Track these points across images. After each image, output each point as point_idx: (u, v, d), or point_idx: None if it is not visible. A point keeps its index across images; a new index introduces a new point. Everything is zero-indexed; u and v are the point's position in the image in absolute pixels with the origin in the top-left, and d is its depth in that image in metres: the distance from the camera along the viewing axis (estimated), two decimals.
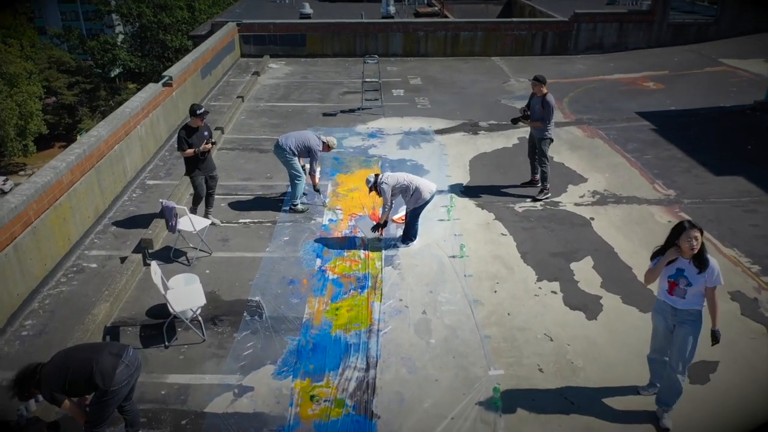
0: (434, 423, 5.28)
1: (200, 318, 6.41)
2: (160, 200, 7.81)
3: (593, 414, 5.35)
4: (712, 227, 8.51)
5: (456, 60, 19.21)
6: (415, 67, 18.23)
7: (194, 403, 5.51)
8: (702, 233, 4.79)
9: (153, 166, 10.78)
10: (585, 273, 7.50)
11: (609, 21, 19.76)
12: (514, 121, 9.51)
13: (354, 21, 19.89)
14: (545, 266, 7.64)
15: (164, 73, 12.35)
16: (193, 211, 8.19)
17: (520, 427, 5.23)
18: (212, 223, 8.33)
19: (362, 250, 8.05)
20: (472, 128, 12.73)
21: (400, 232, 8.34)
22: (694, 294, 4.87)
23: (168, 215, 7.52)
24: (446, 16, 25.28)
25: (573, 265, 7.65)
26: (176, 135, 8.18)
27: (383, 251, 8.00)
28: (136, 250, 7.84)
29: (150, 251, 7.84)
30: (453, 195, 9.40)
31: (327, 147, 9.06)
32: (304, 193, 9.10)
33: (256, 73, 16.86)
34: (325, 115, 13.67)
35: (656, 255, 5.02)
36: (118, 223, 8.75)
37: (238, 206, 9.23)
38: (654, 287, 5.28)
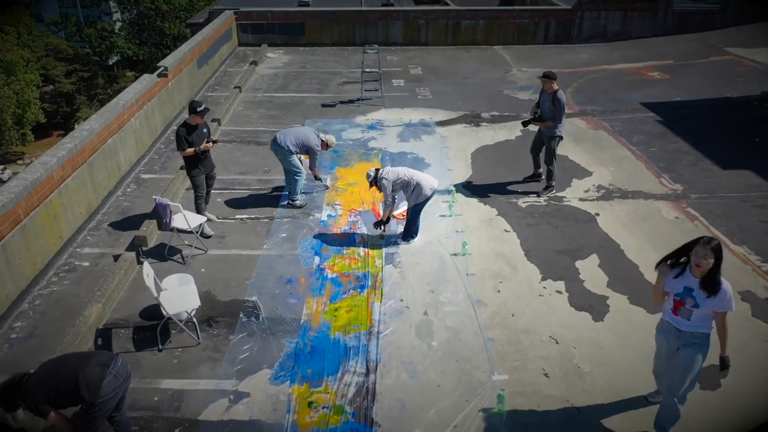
0: None
1: (195, 320, 6.22)
2: (154, 197, 7.60)
3: (600, 422, 5.17)
4: (721, 223, 8.30)
5: (457, 49, 18.90)
6: (415, 57, 17.93)
7: (188, 410, 5.34)
8: (717, 255, 4.34)
9: (148, 159, 10.55)
10: (591, 271, 7.30)
11: (613, 9, 19.40)
12: (525, 124, 9.16)
13: (353, 9, 19.55)
14: (550, 264, 7.44)
15: (159, 64, 12.09)
16: (200, 212, 8.01)
17: None
18: (208, 219, 8.12)
19: (362, 248, 7.85)
20: (474, 120, 12.48)
21: (401, 229, 8.14)
22: (701, 316, 4.51)
23: (162, 212, 7.31)
24: (447, 4, 24.90)
25: (578, 264, 7.45)
26: (175, 133, 7.83)
27: (383, 249, 7.80)
28: (129, 248, 7.64)
29: (144, 249, 7.65)
30: (455, 190, 9.17)
31: (326, 145, 8.84)
32: (303, 192, 8.88)
33: (254, 63, 16.58)
34: (323, 106, 13.41)
35: (659, 264, 4.71)
36: (111, 220, 8.53)
37: (235, 201, 9.01)
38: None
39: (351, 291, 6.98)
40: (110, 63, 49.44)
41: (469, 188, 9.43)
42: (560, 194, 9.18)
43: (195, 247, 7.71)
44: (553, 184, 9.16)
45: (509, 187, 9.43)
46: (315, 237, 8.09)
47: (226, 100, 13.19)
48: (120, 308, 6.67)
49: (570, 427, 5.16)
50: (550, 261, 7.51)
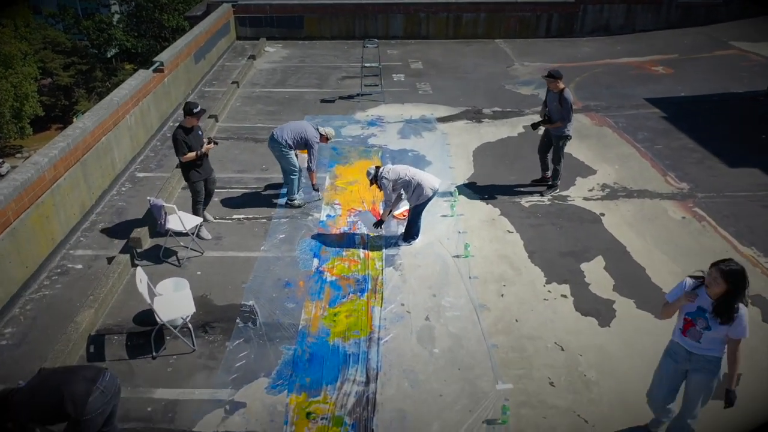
0: None
1: (190, 325, 6.03)
2: (148, 198, 7.40)
3: None
4: (729, 224, 8.12)
5: (458, 43, 18.64)
6: (416, 50, 17.67)
7: (183, 421, 5.17)
8: (729, 282, 4.01)
9: (143, 157, 10.34)
10: (596, 274, 7.12)
11: (616, 2, 19.11)
12: (535, 126, 8.90)
13: (353, 2, 19.24)
14: (554, 267, 7.26)
15: (155, 59, 11.85)
16: (198, 214, 7.78)
17: None
18: (204, 220, 7.92)
19: (362, 249, 7.66)
20: (476, 116, 12.27)
21: (401, 229, 7.95)
22: (712, 340, 4.23)
23: (156, 214, 7.12)
24: None
25: (583, 266, 7.27)
26: (172, 137, 7.46)
27: (384, 250, 7.61)
28: (123, 250, 7.45)
29: (138, 251, 7.46)
30: (456, 189, 8.97)
31: (325, 138, 8.62)
32: (299, 202, 8.69)
33: (252, 57, 16.33)
34: (323, 101, 13.18)
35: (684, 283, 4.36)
36: (105, 220, 8.35)
37: (232, 201, 8.81)
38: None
39: (351, 295, 6.80)
40: (109, 55, 49.00)
41: (471, 187, 9.23)
42: (564, 193, 8.99)
43: (191, 249, 7.53)
44: (558, 183, 8.96)
45: (512, 186, 9.23)
46: (314, 238, 7.90)
47: (223, 96, 12.98)
48: (113, 313, 6.49)
49: None
50: (554, 263, 7.33)
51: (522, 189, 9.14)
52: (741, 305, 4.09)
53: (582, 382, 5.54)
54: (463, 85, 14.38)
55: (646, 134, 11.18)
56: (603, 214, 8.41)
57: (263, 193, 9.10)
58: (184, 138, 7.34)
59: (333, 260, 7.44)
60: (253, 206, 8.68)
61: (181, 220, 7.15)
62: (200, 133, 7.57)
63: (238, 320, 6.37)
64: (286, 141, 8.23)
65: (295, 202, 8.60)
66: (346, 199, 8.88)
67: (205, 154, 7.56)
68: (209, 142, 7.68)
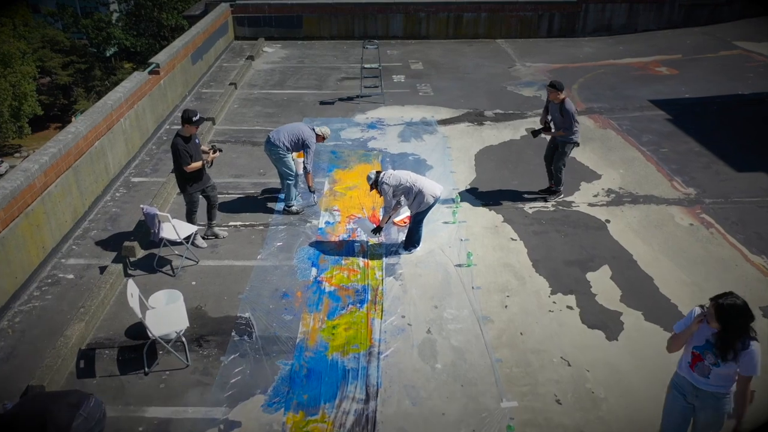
0: None
1: (184, 339, 5.84)
2: (141, 206, 7.19)
3: None
4: (737, 231, 7.92)
5: (459, 42, 18.42)
6: (416, 51, 17.45)
7: None
8: (723, 320, 3.78)
9: (138, 161, 10.13)
10: (603, 284, 6.92)
11: (618, 1, 18.91)
12: (535, 134, 8.71)
13: (352, 2, 19.03)
14: (559, 276, 7.06)
15: (151, 60, 11.63)
16: (194, 224, 7.54)
17: None
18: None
19: (361, 258, 7.46)
20: (477, 118, 12.06)
21: (402, 237, 7.75)
22: (722, 376, 3.97)
23: (149, 222, 6.91)
24: None
25: (589, 275, 7.07)
26: (172, 149, 7.15)
27: (384, 259, 7.41)
28: (116, 260, 7.25)
29: (132, 260, 7.26)
30: (458, 194, 8.77)
31: (321, 138, 8.40)
32: (297, 209, 8.48)
33: (251, 58, 16.11)
34: (322, 103, 12.97)
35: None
36: (99, 227, 8.14)
37: (229, 207, 8.59)
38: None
39: (350, 306, 6.60)
40: (108, 54, 48.82)
41: (473, 192, 9.03)
42: (569, 199, 8.78)
43: (186, 258, 7.32)
44: (561, 189, 8.76)
45: (515, 191, 9.02)
46: (312, 246, 7.70)
47: (221, 98, 12.76)
48: (105, 326, 6.29)
49: None
50: (559, 273, 7.13)
51: (525, 195, 8.93)
52: (753, 342, 3.82)
53: (590, 399, 5.35)
54: (464, 86, 14.17)
55: (651, 137, 10.98)
56: (608, 221, 8.21)
57: (260, 198, 8.89)
58: (185, 147, 7.10)
59: (332, 269, 7.24)
60: (250, 212, 8.47)
61: (175, 228, 6.94)
62: (197, 141, 7.35)
63: (233, 333, 6.17)
64: (283, 143, 8.03)
65: (293, 208, 8.40)
66: (345, 205, 8.68)
67: (210, 163, 7.35)
68: (213, 150, 7.47)
